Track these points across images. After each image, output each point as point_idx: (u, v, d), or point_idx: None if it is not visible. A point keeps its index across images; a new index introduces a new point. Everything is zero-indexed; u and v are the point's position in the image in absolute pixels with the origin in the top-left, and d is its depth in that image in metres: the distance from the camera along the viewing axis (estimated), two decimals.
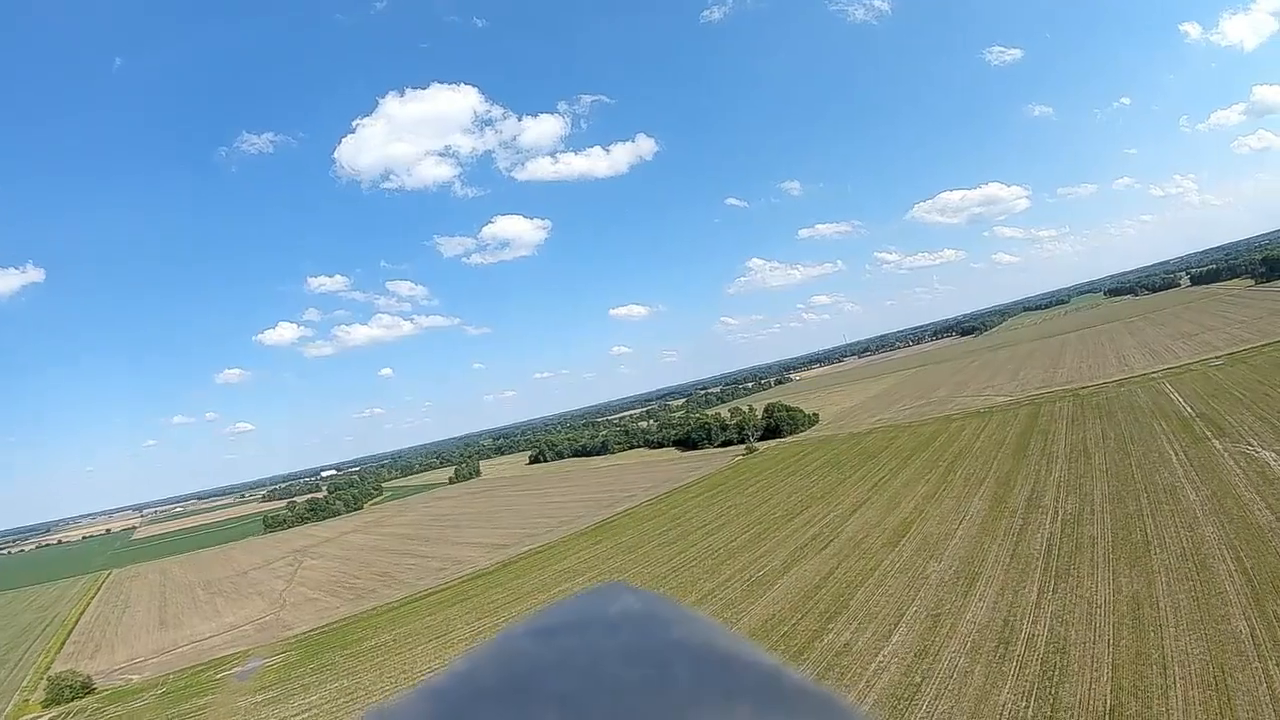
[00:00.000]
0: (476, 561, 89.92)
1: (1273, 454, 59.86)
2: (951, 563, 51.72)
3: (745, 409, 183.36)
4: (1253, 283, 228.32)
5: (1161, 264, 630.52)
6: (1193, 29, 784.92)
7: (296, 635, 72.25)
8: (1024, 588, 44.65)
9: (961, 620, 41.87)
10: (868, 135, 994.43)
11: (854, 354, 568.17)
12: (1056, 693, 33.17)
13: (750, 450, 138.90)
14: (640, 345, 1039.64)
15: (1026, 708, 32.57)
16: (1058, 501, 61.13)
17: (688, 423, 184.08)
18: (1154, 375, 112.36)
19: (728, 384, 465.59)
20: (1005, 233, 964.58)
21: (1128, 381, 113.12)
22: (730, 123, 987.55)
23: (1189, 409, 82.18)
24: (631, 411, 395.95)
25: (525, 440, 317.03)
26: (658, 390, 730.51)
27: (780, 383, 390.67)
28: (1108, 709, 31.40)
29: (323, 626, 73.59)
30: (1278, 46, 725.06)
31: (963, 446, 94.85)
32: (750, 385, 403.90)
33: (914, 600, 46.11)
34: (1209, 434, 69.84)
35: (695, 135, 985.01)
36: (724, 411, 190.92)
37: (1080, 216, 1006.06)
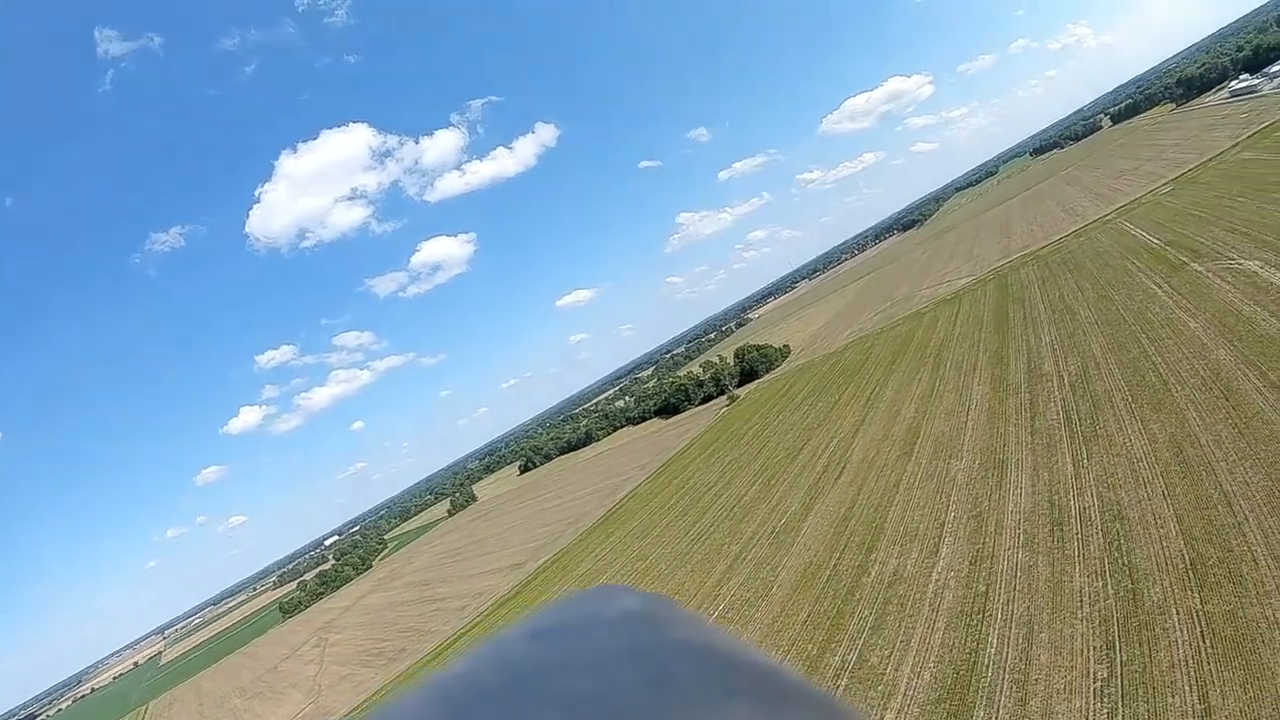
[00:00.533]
0: (497, 589, 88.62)
1: (1257, 263, 59.40)
2: (974, 456, 50.03)
3: (716, 359, 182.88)
4: (1173, 106, 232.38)
5: (1078, 113, 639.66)
6: None
7: (341, 715, 70.99)
8: (1057, 462, 43.02)
9: (1005, 514, 40.04)
10: (761, 63, 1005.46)
11: (804, 278, 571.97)
12: (1130, 561, 31.39)
13: (732, 399, 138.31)
14: (595, 327, 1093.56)
15: (1104, 586, 30.71)
16: (1058, 365, 59.93)
17: (663, 389, 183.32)
18: (1108, 218, 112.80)
19: (691, 341, 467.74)
20: (918, 123, 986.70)
21: (1084, 230, 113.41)
22: (623, 88, 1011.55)
23: (1155, 240, 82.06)
24: (606, 393, 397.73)
25: (511, 452, 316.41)
26: (626, 366, 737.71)
27: (741, 325, 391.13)
28: (1188, 564, 29.67)
29: (362, 703, 72.00)
30: None
31: (943, 336, 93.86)
32: (714, 336, 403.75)
33: (949, 506, 44.24)
34: (1185, 259, 69.45)
35: (592, 110, 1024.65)
36: (696, 368, 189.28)
37: (986, 88, 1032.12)
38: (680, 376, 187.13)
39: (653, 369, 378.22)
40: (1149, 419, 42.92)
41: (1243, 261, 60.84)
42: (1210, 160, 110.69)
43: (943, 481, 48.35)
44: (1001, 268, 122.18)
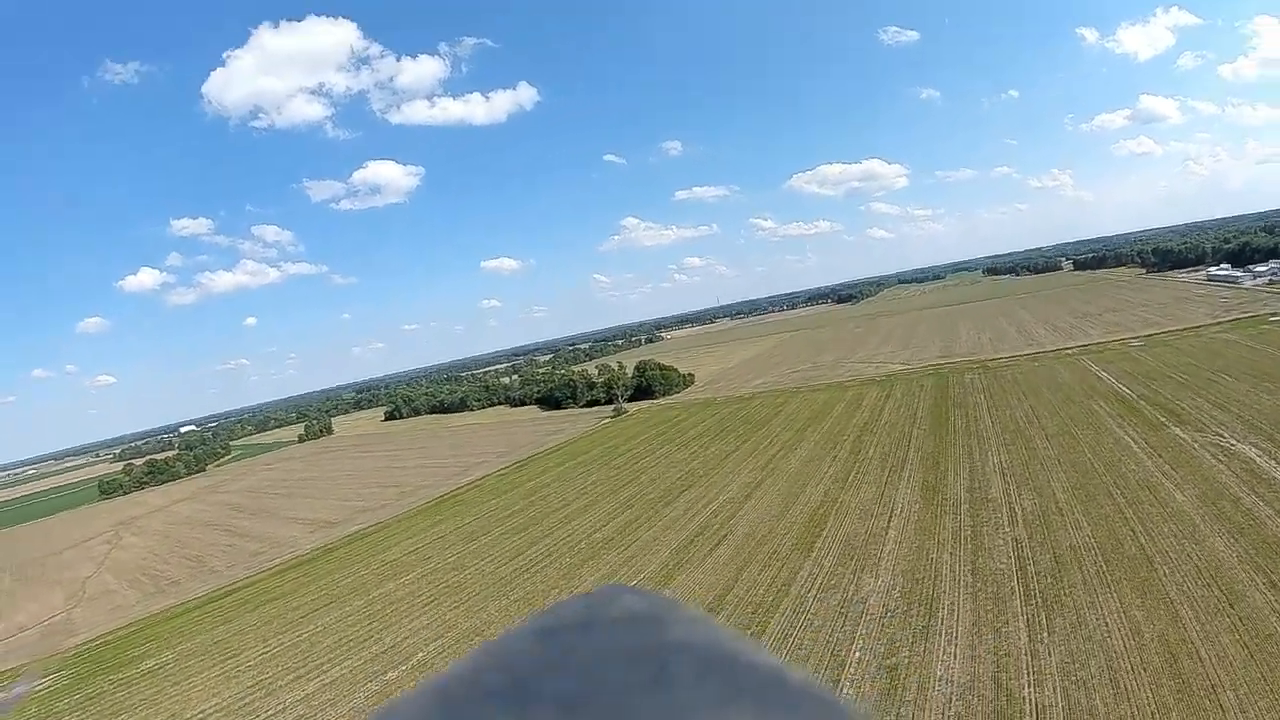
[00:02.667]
0: (298, 544, 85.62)
1: (1253, 449, 55.68)
2: (892, 578, 41.63)
3: (615, 366, 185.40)
4: (1143, 272, 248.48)
5: (1036, 250, 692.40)
6: (1090, 33, 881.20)
7: (77, 646, 65.50)
8: (1007, 626, 34.87)
9: (931, 679, 31.20)
10: (754, 102, 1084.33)
11: (727, 316, 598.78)
12: None
13: (619, 412, 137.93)
14: (511, 299, 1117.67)
15: None
16: (1009, 495, 53.50)
17: (552, 379, 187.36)
18: (1068, 351, 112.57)
19: (597, 341, 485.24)
20: (881, 208, 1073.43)
21: (1040, 356, 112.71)
22: (616, 77, 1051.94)
23: (1126, 390, 79.46)
24: (497, 366, 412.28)
25: (387, 395, 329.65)
26: (526, 346, 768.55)
27: (651, 341, 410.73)
28: None
29: (109, 634, 66.98)
30: (1170, 60, 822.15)
31: (867, 418, 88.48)
32: (620, 343, 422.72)
33: (854, 642, 35.15)
34: (1165, 420, 65.98)
35: (579, 87, 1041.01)
36: (592, 368, 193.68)
37: (957, 199, 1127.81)
38: (573, 372, 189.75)
39: (551, 356, 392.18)
40: (1130, 602, 35.73)
41: (1235, 443, 57.01)
42: (1186, 330, 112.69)
43: (848, 600, 39.48)
44: (941, 366, 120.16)
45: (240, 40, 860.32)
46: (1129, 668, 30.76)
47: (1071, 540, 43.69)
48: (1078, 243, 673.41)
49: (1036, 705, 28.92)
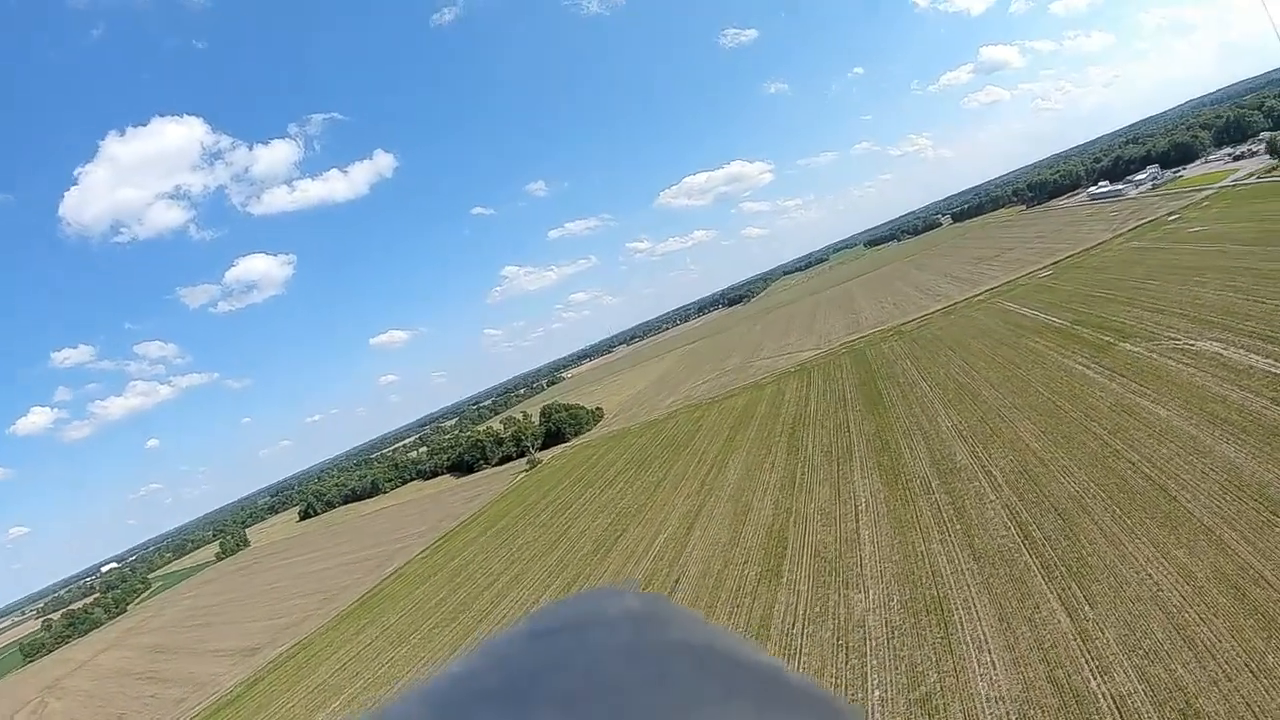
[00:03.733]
0: (220, 681, 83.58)
1: (1214, 344, 55.09)
2: (885, 588, 36.91)
3: (520, 416, 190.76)
4: (1023, 208, 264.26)
5: (910, 213, 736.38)
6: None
7: None
8: (1038, 611, 30.52)
9: (976, 702, 26.31)
10: (609, 128, 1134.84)
11: (623, 343, 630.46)
12: None
13: (533, 464, 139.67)
14: (407, 371, 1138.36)
15: None
16: (980, 458, 50.30)
17: (459, 443, 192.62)
18: (979, 298, 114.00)
19: (500, 395, 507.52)
20: (752, 207, 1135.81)
21: (953, 309, 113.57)
22: (469, 129, 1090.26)
23: (1056, 319, 79.31)
24: (406, 440, 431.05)
25: (299, 493, 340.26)
26: (434, 413, 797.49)
27: (553, 383, 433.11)
28: None
29: None
30: (1004, 9, 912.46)
31: (795, 411, 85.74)
32: (523, 392, 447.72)
33: (865, 676, 29.93)
34: (1108, 339, 65.31)
35: (435, 146, 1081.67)
36: (496, 424, 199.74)
37: (823, 183, 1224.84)
38: (479, 431, 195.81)
39: (456, 420, 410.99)
40: (1165, 543, 32.32)
41: (1194, 342, 56.36)
42: (1091, 249, 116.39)
43: (844, 630, 34.37)
44: (854, 343, 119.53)
45: (89, 154, 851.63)
46: (1197, 619, 27.03)
47: (1069, 490, 40.48)
48: (950, 197, 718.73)
49: (1113, 697, 24.54)
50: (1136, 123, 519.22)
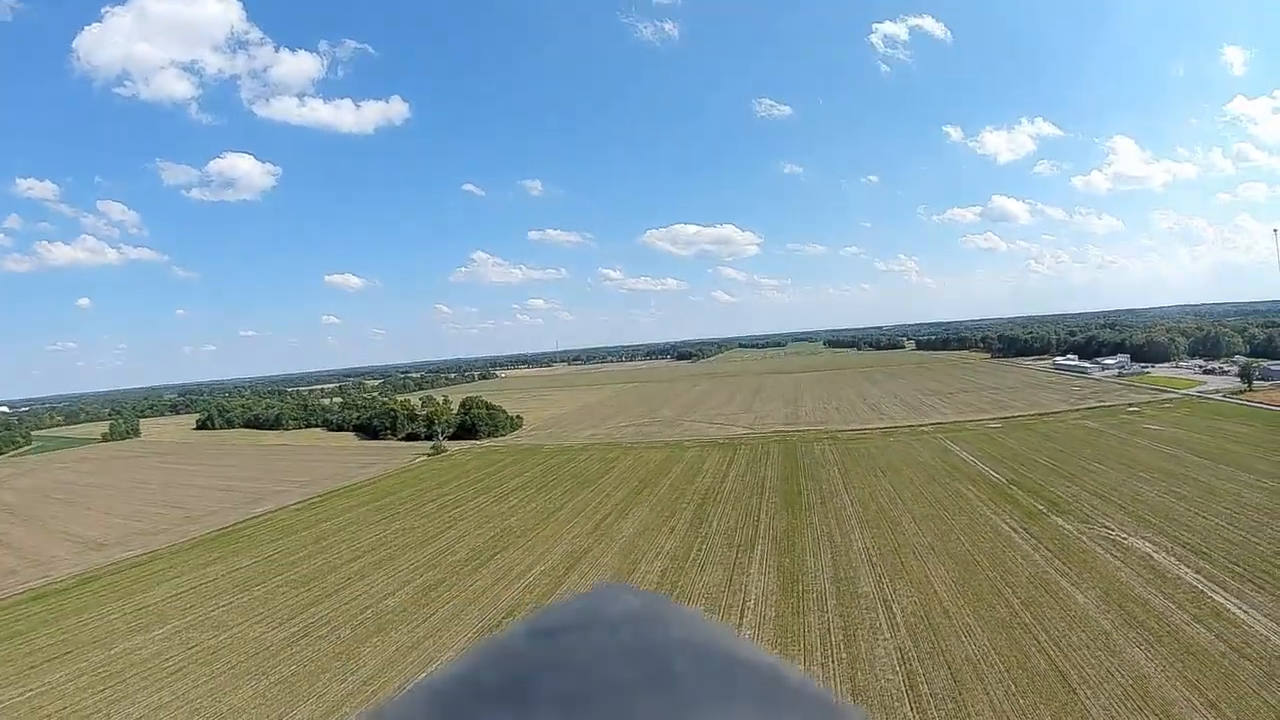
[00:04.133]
0: (58, 566, 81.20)
1: (1148, 544, 54.64)
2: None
3: (439, 399, 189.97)
4: (989, 355, 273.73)
5: (876, 327, 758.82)
6: (955, 131, 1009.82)
7: None
8: None
9: None
10: (621, 151, 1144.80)
11: (564, 361, 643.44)
12: None
13: (437, 450, 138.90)
14: (352, 318, 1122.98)
15: None
16: (883, 589, 48.69)
17: (374, 406, 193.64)
18: (924, 429, 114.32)
19: (431, 372, 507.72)
20: (730, 273, 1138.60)
21: (894, 432, 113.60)
22: (489, 106, 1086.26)
23: (994, 474, 79.22)
24: (326, 385, 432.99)
25: (205, 402, 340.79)
26: (359, 368, 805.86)
27: (485, 378, 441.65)
28: None
29: None
30: (1029, 166, 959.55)
31: (709, 484, 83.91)
32: (454, 376, 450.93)
33: None
34: (1042, 508, 64.81)
35: (451, 110, 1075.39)
36: (415, 399, 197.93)
37: (805, 272, 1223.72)
38: (395, 401, 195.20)
39: (381, 382, 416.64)
40: None
41: (1126, 537, 55.95)
42: (1045, 415, 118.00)
43: None
44: (787, 434, 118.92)
45: None
46: None
47: (967, 650, 38.82)
48: (920, 324, 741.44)
49: None
50: (1118, 309, 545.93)
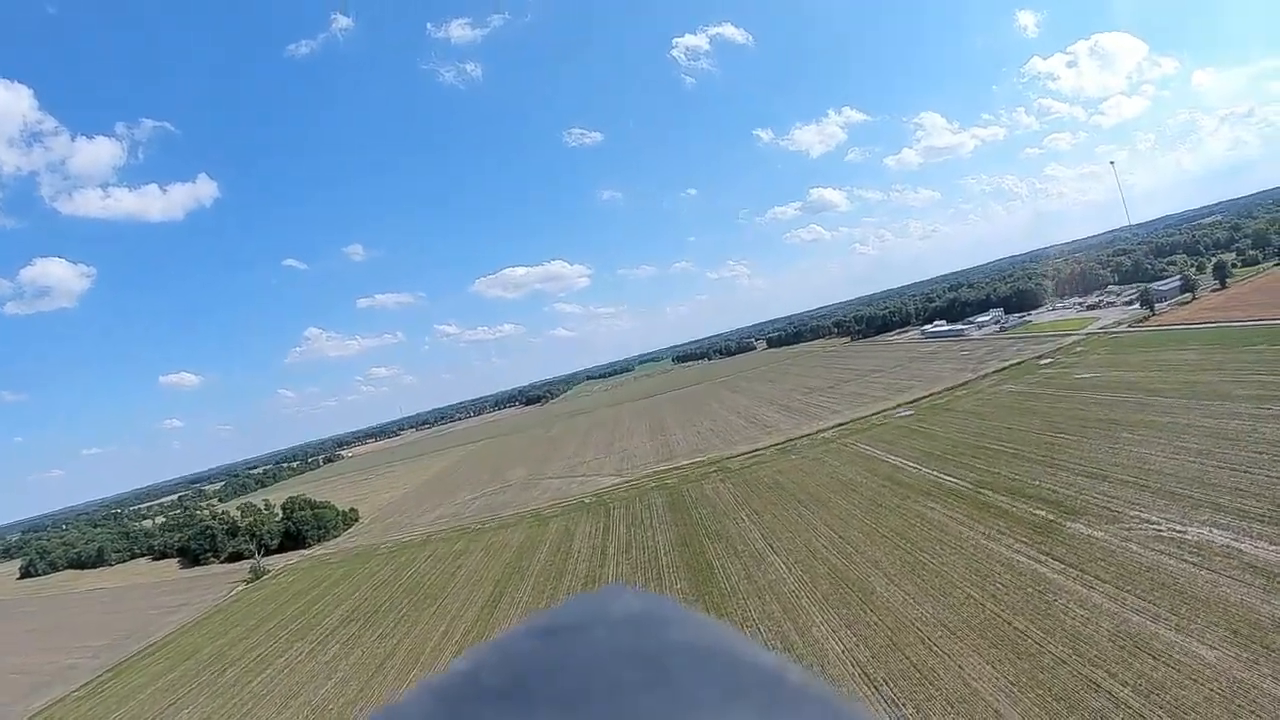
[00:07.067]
0: None
1: (1213, 529, 41.00)
2: None
3: (260, 505, 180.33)
4: (849, 339, 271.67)
5: (719, 335, 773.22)
6: (765, 133, 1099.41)
7: None
8: None
9: None
10: (438, 203, 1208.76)
11: (412, 427, 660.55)
12: None
13: (256, 574, 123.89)
14: (193, 419, 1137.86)
15: None
16: (896, 709, 31.74)
17: (191, 525, 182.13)
18: (824, 435, 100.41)
19: (277, 463, 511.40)
20: (565, 309, 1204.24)
21: (791, 447, 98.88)
22: (297, 174, 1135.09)
23: (949, 479, 64.90)
24: (165, 499, 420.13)
25: (39, 539, 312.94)
26: (203, 472, 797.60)
27: (330, 460, 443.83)
28: None
29: None
30: (841, 156, 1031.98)
31: (587, 569, 67.90)
32: (297, 464, 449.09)
33: None
34: (1050, 516, 50.47)
35: (259, 184, 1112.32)
36: (235, 510, 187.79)
37: (639, 295, 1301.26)
38: (210, 516, 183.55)
39: (225, 483, 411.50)
40: None
41: (1184, 530, 42.11)
42: (955, 389, 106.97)
43: None
44: (666, 475, 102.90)
45: None
46: None
47: None
48: (762, 324, 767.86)
49: None
50: (950, 273, 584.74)
